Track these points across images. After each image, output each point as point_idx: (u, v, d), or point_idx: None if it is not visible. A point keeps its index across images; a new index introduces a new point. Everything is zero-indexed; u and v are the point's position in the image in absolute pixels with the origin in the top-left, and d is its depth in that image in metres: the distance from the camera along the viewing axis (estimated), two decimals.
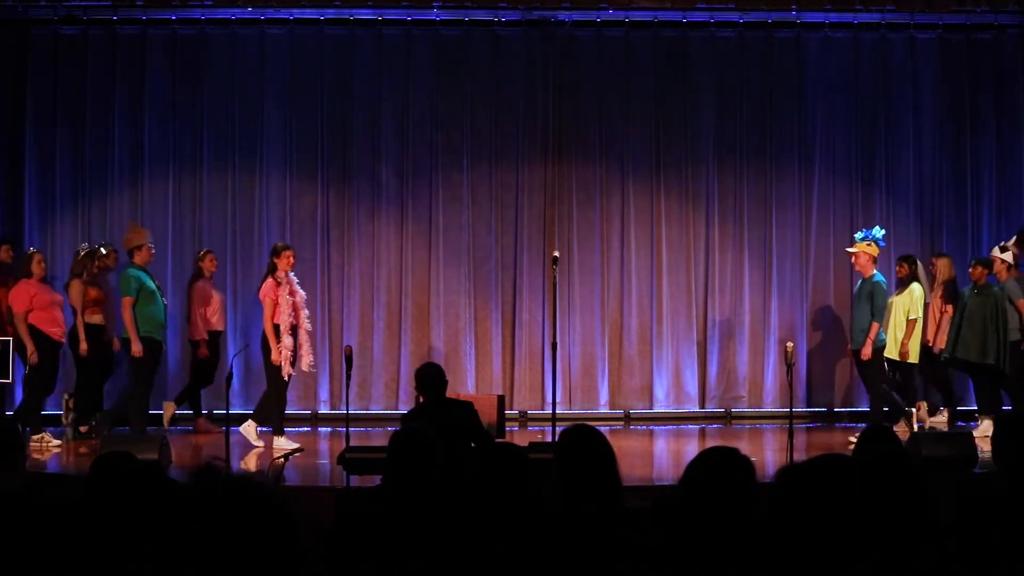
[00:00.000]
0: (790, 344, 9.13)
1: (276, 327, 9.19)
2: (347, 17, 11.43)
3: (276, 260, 9.35)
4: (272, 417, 9.17)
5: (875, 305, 9.38)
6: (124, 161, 11.36)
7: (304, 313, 9.46)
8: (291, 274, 9.42)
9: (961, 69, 11.67)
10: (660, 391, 11.45)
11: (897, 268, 10.13)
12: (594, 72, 11.56)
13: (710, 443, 9.42)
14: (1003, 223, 11.59)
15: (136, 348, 9.29)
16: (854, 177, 11.62)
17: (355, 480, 6.92)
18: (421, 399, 7.67)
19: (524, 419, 11.20)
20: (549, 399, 10.50)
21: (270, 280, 9.29)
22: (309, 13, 11.37)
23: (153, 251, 9.79)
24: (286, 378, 9.20)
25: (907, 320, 9.76)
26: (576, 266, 11.47)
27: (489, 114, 11.53)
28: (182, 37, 11.45)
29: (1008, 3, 11.18)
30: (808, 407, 11.38)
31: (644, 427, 11.06)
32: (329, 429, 10.59)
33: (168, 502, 2.85)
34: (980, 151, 11.65)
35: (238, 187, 11.43)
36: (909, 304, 9.77)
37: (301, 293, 9.48)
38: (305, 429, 10.45)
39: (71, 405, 9.72)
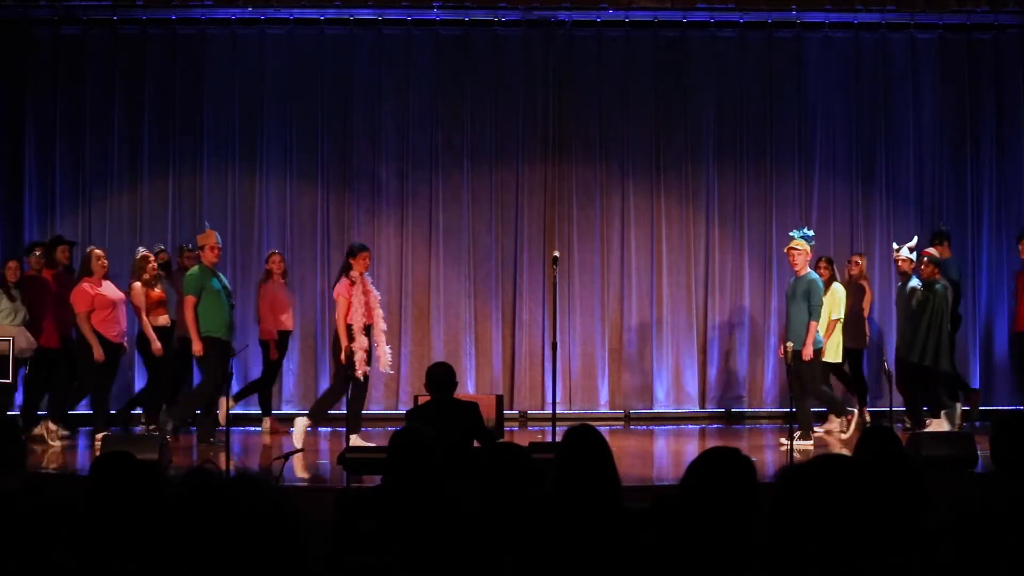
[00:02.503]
0: (790, 344, 9.13)
1: (349, 327, 9.17)
2: (347, 17, 11.44)
3: (352, 260, 9.31)
4: (349, 417, 8.77)
5: (812, 304, 9.14)
6: (124, 161, 11.36)
7: (379, 313, 9.44)
8: (366, 274, 9.41)
9: (961, 69, 11.68)
10: (660, 391, 11.46)
11: (819, 270, 9.96)
12: (594, 72, 11.56)
13: (710, 443, 9.46)
14: (1003, 223, 11.60)
15: (196, 347, 9.17)
16: (854, 177, 11.63)
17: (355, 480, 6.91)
18: (419, 399, 7.68)
19: (524, 419, 11.20)
20: (549, 399, 10.49)
21: (345, 280, 9.26)
22: (309, 13, 11.37)
23: (217, 251, 9.45)
24: (361, 377, 9.17)
25: (829, 320, 9.75)
26: (576, 266, 11.48)
27: (489, 114, 11.53)
28: (182, 37, 11.45)
29: (1008, 3, 11.18)
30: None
31: (644, 427, 11.06)
32: (329, 429, 10.58)
33: (167, 502, 2.86)
34: (980, 151, 11.65)
35: (238, 187, 11.43)
36: (832, 304, 9.75)
37: (376, 293, 9.44)
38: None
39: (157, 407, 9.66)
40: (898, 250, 10.15)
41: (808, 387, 9.24)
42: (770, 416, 11.25)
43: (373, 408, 11.01)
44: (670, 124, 11.60)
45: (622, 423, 11.20)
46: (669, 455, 9.68)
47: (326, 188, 11.46)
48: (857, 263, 10.33)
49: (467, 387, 11.02)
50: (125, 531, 2.90)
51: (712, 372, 11.49)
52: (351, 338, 9.12)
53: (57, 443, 9.29)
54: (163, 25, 11.45)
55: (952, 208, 11.63)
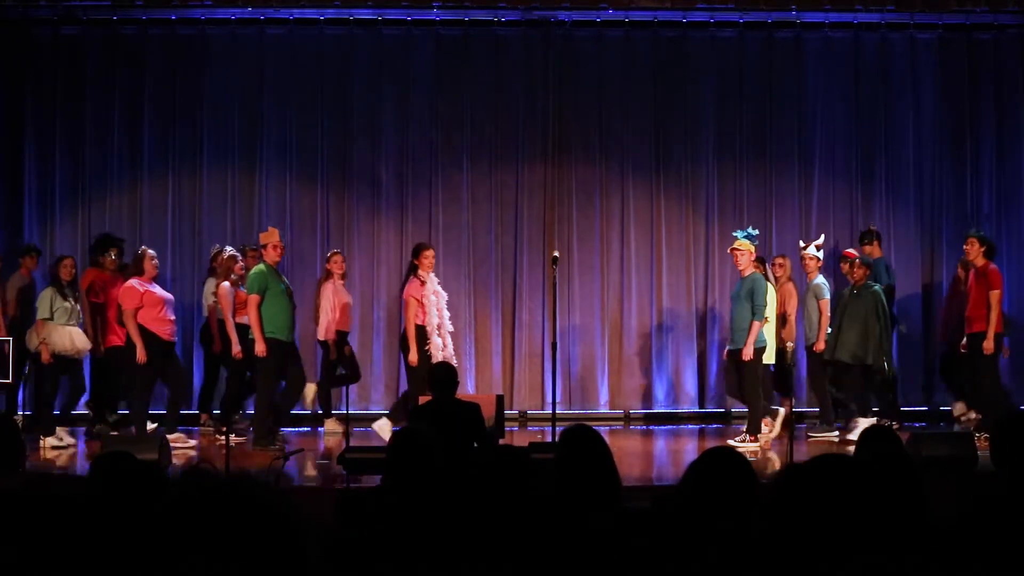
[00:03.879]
0: (790, 344, 9.14)
1: (420, 328, 9.19)
2: (347, 17, 11.43)
3: (416, 260, 9.35)
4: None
5: (755, 304, 9.06)
6: (123, 161, 11.36)
7: (445, 313, 9.44)
8: (432, 273, 9.42)
9: (961, 69, 11.67)
10: (660, 391, 11.46)
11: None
12: (594, 72, 11.56)
13: (710, 443, 9.45)
14: (1003, 222, 11.59)
15: (260, 348, 9.03)
16: (854, 177, 11.62)
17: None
18: (420, 399, 7.68)
19: (524, 419, 11.20)
20: (549, 399, 10.49)
21: (414, 280, 9.29)
22: (309, 13, 11.37)
23: (280, 250, 9.37)
24: None
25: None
26: (576, 266, 11.48)
27: (489, 114, 11.53)
28: (182, 37, 11.45)
29: (1008, 3, 11.18)
30: (809, 407, 11.35)
31: (644, 427, 11.06)
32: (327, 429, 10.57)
33: (165, 502, 2.85)
34: (980, 151, 11.65)
35: (238, 187, 11.43)
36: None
37: (443, 293, 9.46)
38: (305, 429, 10.44)
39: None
40: (804, 248, 10.02)
41: (754, 387, 9.21)
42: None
43: (373, 408, 11.01)
44: (670, 124, 11.60)
45: (622, 423, 11.20)
46: (669, 455, 9.67)
47: (326, 188, 11.46)
48: (781, 264, 10.12)
49: (467, 387, 11.01)
50: (125, 531, 2.90)
51: (712, 372, 11.49)
52: (425, 339, 9.15)
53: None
54: (163, 25, 11.45)
55: (952, 208, 11.63)
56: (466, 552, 3.28)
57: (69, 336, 9.30)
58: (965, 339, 9.59)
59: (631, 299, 11.53)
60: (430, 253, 9.42)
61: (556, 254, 9.46)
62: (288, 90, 11.47)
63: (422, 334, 9.23)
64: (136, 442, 7.78)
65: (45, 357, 9.25)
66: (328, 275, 10.15)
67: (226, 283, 9.53)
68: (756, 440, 9.13)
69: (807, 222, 11.58)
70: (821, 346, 9.75)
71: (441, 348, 9.31)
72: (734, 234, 9.47)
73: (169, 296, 9.49)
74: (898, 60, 11.72)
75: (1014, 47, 11.68)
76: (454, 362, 9.37)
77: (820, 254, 9.98)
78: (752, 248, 9.24)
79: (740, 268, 9.27)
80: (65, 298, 9.33)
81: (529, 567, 3.16)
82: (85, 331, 9.50)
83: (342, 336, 10.14)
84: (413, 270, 9.36)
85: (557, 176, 11.53)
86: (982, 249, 9.54)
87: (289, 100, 11.46)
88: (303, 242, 11.35)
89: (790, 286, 10.02)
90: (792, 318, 9.92)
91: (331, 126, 11.49)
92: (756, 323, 9.05)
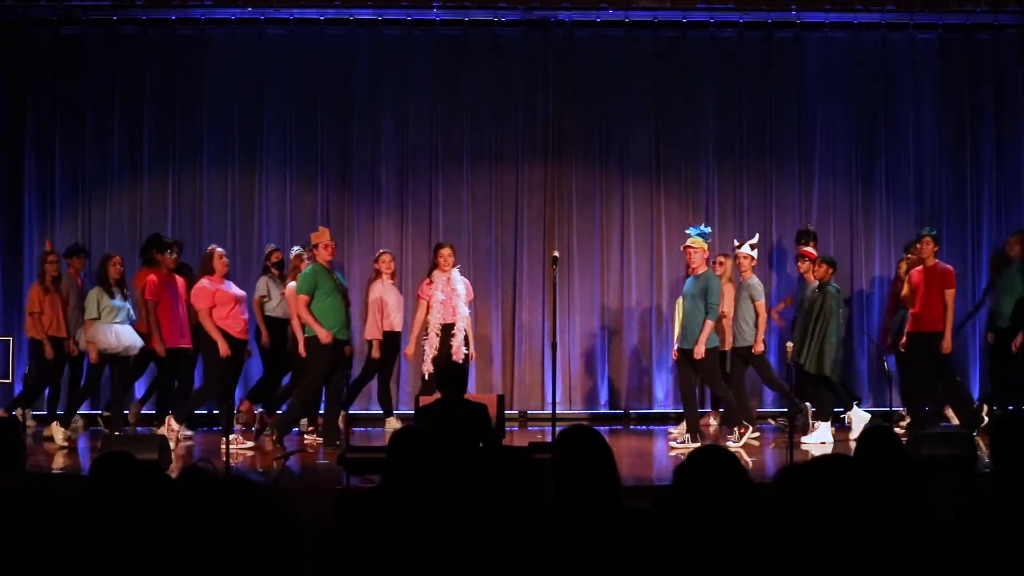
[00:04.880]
0: (789, 344, 9.11)
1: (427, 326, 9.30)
2: (347, 17, 11.44)
3: (433, 258, 9.44)
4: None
5: (709, 303, 9.00)
6: (123, 161, 11.36)
7: (463, 312, 9.44)
8: (455, 271, 9.44)
9: (961, 69, 11.67)
10: (660, 391, 11.45)
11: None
12: (594, 72, 11.56)
13: (709, 443, 9.43)
14: (1003, 222, 11.58)
15: (301, 348, 9.04)
16: (854, 177, 11.62)
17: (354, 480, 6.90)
18: (420, 399, 7.68)
19: (524, 419, 11.20)
20: (549, 399, 10.49)
21: (426, 279, 9.44)
22: (309, 13, 11.37)
23: (332, 249, 9.30)
24: (425, 376, 9.18)
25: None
26: (576, 266, 11.48)
27: (489, 114, 11.53)
28: (182, 37, 11.45)
29: (1008, 3, 11.18)
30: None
31: (644, 427, 11.05)
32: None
33: (165, 502, 2.85)
34: (980, 151, 11.65)
35: (238, 187, 11.43)
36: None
37: (460, 291, 9.45)
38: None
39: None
40: (739, 247, 9.91)
41: (718, 382, 9.23)
42: (770, 416, 11.23)
43: (372, 408, 11.01)
44: (670, 124, 11.60)
45: (622, 423, 11.20)
46: (669, 455, 9.67)
47: (326, 188, 11.47)
48: (721, 263, 10.00)
49: (467, 387, 10.99)
50: (124, 531, 2.90)
51: None
52: (424, 336, 9.24)
53: (177, 444, 8.93)
54: (163, 25, 11.45)
55: (952, 208, 11.63)
56: (466, 552, 3.28)
57: (115, 334, 9.17)
58: (905, 338, 9.59)
59: (631, 299, 11.53)
60: (445, 252, 9.45)
61: (556, 254, 9.46)
62: (288, 90, 11.47)
63: (424, 332, 9.35)
64: (136, 442, 7.78)
65: (93, 357, 9.21)
66: (377, 275, 10.12)
67: (292, 283, 9.50)
68: (746, 430, 9.14)
69: (807, 222, 11.55)
70: (760, 348, 9.69)
71: (434, 347, 9.30)
72: (687, 231, 9.46)
73: (241, 293, 9.48)
74: (898, 60, 11.71)
75: (1014, 47, 11.68)
76: (460, 358, 9.42)
77: (754, 253, 9.95)
78: (705, 246, 9.20)
79: (693, 267, 9.22)
80: (113, 296, 9.24)
81: (529, 567, 3.16)
82: (138, 330, 9.41)
83: (390, 337, 9.99)
84: (431, 269, 9.49)
85: (557, 176, 11.53)
86: (935, 249, 9.55)
87: (289, 100, 11.46)
88: (303, 242, 11.32)
89: (729, 286, 9.98)
90: (729, 319, 9.82)
91: (331, 126, 11.49)
92: (709, 322, 9.00)
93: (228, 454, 7.53)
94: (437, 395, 6.88)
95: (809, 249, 10.14)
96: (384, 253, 10.20)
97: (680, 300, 9.53)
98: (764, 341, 9.73)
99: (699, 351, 8.95)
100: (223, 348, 9.01)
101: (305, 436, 9.56)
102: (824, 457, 2.55)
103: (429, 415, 6.49)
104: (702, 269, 9.16)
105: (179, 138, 11.39)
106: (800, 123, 11.65)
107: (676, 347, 9.47)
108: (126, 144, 11.36)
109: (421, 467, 3.87)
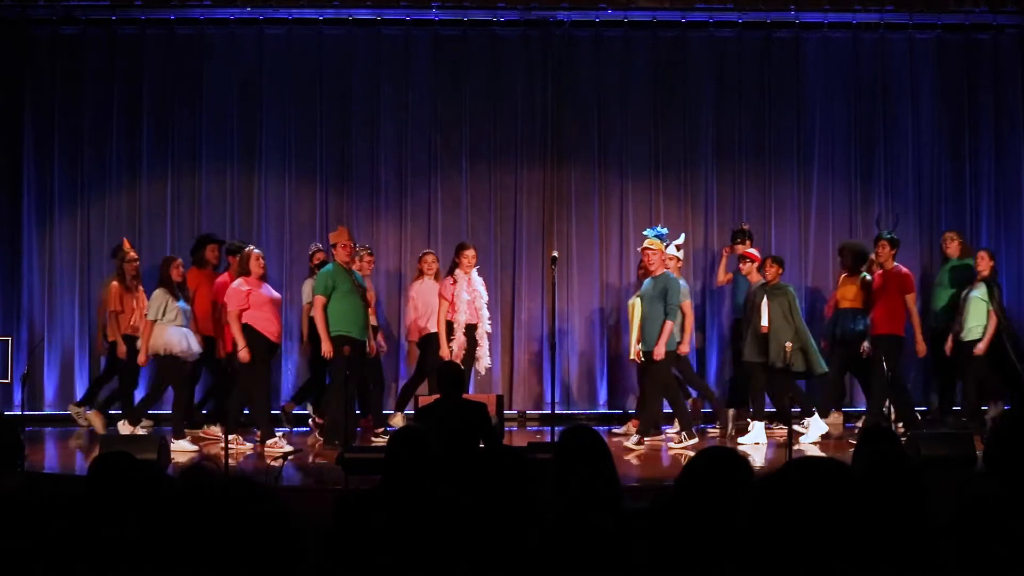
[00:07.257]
0: (789, 344, 9.12)
1: (449, 324, 9.27)
2: (346, 17, 11.43)
3: (456, 259, 9.40)
4: None
5: (669, 304, 9.01)
6: (122, 161, 11.35)
7: (484, 314, 9.44)
8: (475, 273, 9.44)
9: (960, 69, 11.67)
10: None
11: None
12: (593, 72, 11.56)
13: (710, 443, 9.44)
14: (1002, 222, 11.59)
15: (325, 348, 8.96)
16: (853, 177, 11.62)
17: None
18: (420, 399, 7.69)
19: (523, 419, 11.20)
20: (548, 399, 10.49)
21: (448, 278, 9.41)
22: (308, 13, 11.37)
23: (350, 248, 9.26)
24: None
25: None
26: (575, 266, 11.48)
27: (488, 114, 11.53)
28: (181, 37, 11.45)
29: (1007, 3, 11.19)
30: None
31: None
32: None
33: (165, 502, 2.85)
34: (979, 151, 11.65)
35: (237, 187, 11.42)
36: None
37: (482, 293, 9.44)
38: (305, 429, 10.43)
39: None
40: (666, 247, 9.80)
41: (663, 388, 9.22)
42: (769, 416, 11.22)
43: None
44: (668, 124, 11.60)
45: (621, 423, 11.18)
46: (669, 455, 9.67)
47: (325, 188, 11.46)
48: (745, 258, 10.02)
49: (467, 387, 11.00)
50: (124, 531, 2.90)
51: (711, 371, 11.49)
52: (450, 336, 9.20)
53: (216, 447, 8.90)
54: (162, 25, 11.44)
55: (951, 208, 11.63)
56: (465, 552, 3.28)
57: (185, 337, 9.07)
58: (866, 343, 9.58)
59: (630, 298, 11.50)
60: (469, 253, 9.48)
61: (555, 254, 9.46)
62: (287, 90, 11.47)
63: (450, 331, 9.35)
64: (135, 442, 7.78)
65: (141, 359, 9.19)
66: (420, 275, 10.10)
67: (309, 281, 9.47)
68: (693, 436, 9.15)
69: (806, 222, 11.58)
70: (686, 349, 9.69)
71: (462, 346, 9.35)
72: (644, 232, 9.50)
73: (277, 296, 9.36)
74: (897, 60, 11.72)
75: (1013, 47, 11.68)
76: (486, 362, 9.42)
77: (680, 254, 9.93)
78: (663, 247, 9.25)
79: (652, 268, 9.23)
80: (177, 299, 9.17)
81: (529, 567, 3.16)
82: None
83: (427, 338, 9.86)
84: (452, 268, 9.48)
85: (556, 176, 11.52)
86: (893, 252, 9.54)
87: (288, 100, 11.46)
88: (302, 243, 11.32)
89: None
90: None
91: (330, 126, 11.48)
92: (669, 323, 9.01)
93: (227, 454, 7.53)
94: (437, 395, 6.90)
95: (752, 251, 10.08)
96: (428, 253, 10.22)
97: (634, 302, 9.53)
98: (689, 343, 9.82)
99: (659, 352, 9.00)
100: (244, 352, 8.83)
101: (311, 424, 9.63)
102: (824, 458, 2.55)
103: (429, 415, 6.52)
104: (660, 270, 9.19)
105: (178, 138, 11.38)
106: (799, 123, 11.65)
107: (636, 349, 9.41)
108: (125, 144, 11.35)
109: (420, 467, 3.88)
